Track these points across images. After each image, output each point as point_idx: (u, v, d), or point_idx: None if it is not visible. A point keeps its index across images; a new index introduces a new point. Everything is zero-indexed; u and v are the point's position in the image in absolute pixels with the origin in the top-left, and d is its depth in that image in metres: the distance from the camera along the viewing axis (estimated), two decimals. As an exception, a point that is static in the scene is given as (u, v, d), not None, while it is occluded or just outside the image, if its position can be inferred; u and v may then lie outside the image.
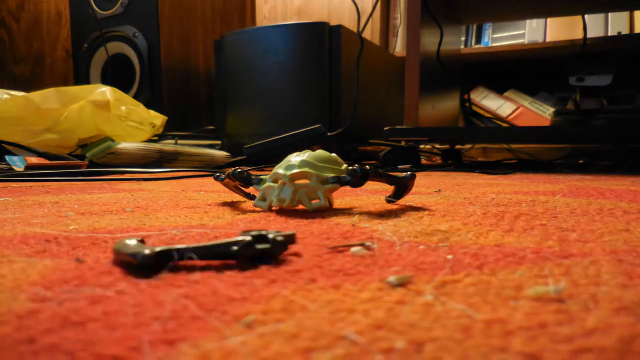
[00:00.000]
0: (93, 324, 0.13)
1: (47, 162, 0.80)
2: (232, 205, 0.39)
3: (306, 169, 0.34)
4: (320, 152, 0.37)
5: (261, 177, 0.37)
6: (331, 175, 0.35)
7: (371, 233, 0.26)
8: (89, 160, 0.86)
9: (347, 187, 0.56)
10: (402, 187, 0.38)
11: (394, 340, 0.12)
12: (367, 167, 0.35)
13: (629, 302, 0.15)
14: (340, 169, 0.36)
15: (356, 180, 0.34)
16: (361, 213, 0.34)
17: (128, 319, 0.13)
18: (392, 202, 0.39)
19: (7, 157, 0.81)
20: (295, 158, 0.36)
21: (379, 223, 0.30)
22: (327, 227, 0.28)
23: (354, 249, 0.22)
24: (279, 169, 0.35)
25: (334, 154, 0.38)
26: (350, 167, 0.35)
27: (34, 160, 0.79)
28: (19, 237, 0.25)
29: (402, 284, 0.17)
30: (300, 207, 0.36)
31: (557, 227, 0.28)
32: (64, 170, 0.75)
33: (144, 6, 1.33)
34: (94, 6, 1.39)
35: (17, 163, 0.78)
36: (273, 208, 0.36)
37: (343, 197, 0.45)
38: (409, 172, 0.38)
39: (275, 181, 0.35)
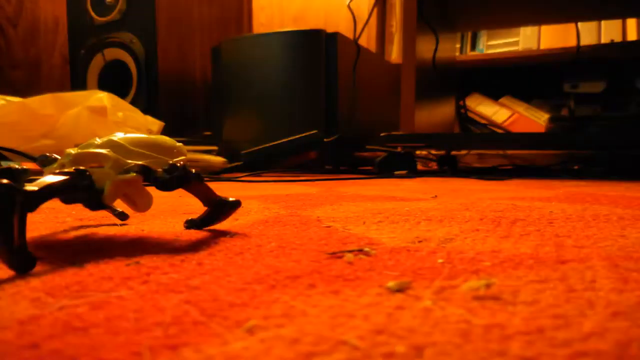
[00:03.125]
0: (95, 329, 0.13)
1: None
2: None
3: (104, 151, 0.26)
4: (153, 137, 0.28)
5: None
6: (140, 163, 0.25)
7: (369, 239, 0.27)
8: (85, 166, 0.86)
9: (345, 191, 0.56)
10: (218, 211, 0.29)
11: (394, 345, 0.12)
12: (194, 170, 0.26)
13: (625, 307, 0.15)
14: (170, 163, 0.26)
15: (165, 182, 0.25)
16: (358, 219, 0.34)
17: (130, 324, 0.13)
18: (194, 228, 0.29)
19: (1, 163, 0.80)
20: (108, 137, 0.27)
21: (376, 229, 0.30)
22: (325, 233, 0.28)
23: (352, 254, 0.22)
24: (79, 148, 0.27)
25: (179, 144, 0.29)
26: (170, 163, 0.26)
27: (29, 165, 0.79)
28: (17, 243, 0.25)
29: (401, 289, 0.17)
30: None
31: (554, 233, 0.29)
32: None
33: (141, 13, 1.33)
34: (92, 12, 1.39)
35: (13, 169, 0.78)
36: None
37: (341, 203, 0.46)
38: (233, 198, 0.29)
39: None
